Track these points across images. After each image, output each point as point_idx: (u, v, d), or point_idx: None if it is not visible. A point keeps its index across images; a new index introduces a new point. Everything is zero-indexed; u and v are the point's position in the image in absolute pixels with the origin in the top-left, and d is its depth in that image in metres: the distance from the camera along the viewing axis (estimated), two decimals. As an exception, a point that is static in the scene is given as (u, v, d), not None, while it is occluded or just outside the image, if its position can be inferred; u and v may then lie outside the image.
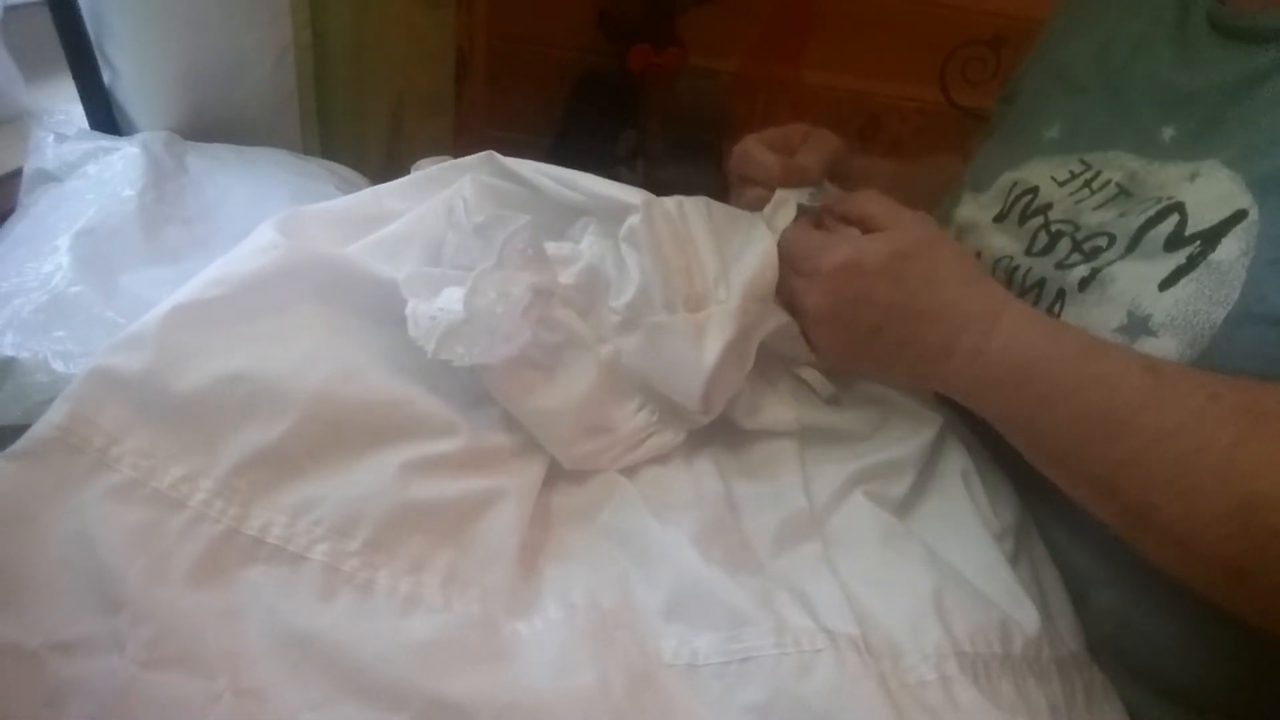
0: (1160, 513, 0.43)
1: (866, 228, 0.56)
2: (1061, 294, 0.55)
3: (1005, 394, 0.51)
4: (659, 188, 0.60)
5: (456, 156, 0.66)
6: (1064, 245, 0.57)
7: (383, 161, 1.00)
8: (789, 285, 0.57)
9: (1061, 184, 0.61)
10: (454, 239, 0.54)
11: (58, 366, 0.53)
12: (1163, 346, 0.47)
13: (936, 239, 0.55)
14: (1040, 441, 0.51)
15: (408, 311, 0.50)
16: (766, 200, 0.64)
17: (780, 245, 0.58)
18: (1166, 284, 0.48)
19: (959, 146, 0.85)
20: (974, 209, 0.67)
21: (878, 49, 1.47)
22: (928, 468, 0.58)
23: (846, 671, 0.45)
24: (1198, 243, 0.48)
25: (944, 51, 1.49)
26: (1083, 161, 0.61)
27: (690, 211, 0.58)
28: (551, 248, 0.56)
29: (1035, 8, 0.79)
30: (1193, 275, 0.47)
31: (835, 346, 0.58)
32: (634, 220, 0.56)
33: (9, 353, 0.54)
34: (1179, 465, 0.42)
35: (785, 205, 0.62)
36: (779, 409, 0.60)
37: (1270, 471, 0.39)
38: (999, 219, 0.64)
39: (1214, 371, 0.45)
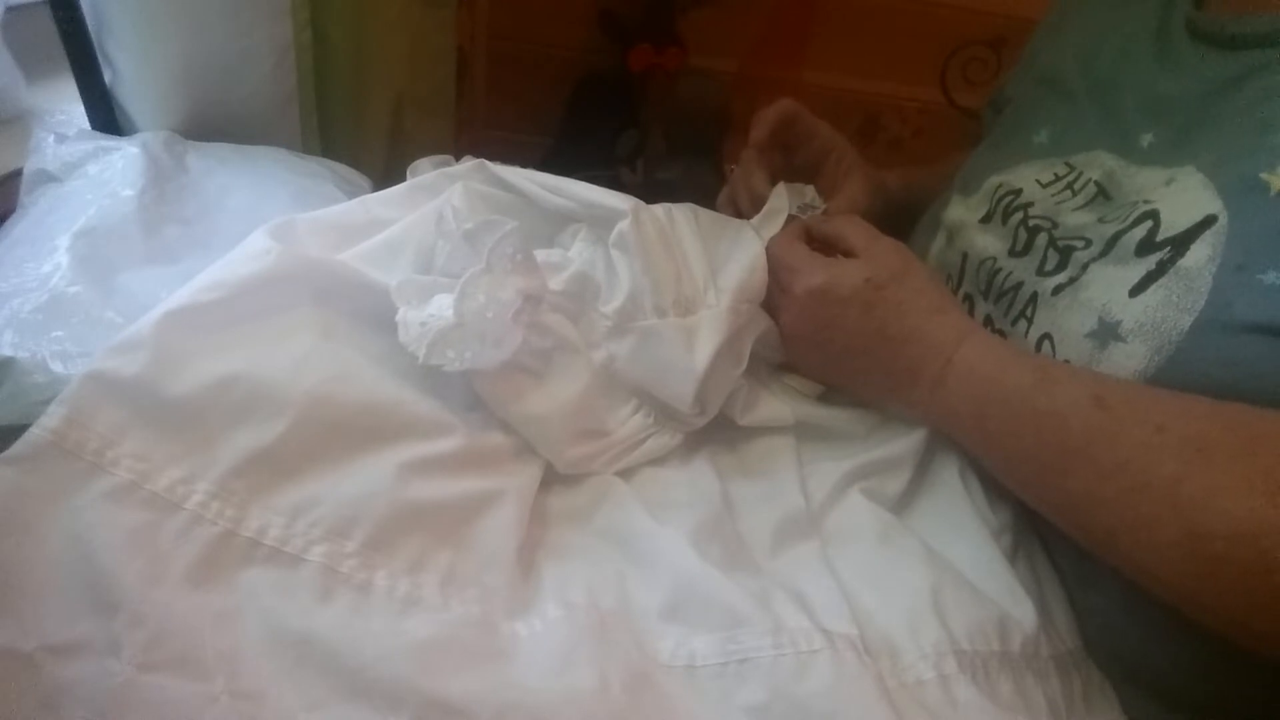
0: (1117, 539, 0.44)
1: (844, 252, 0.59)
2: (1035, 297, 0.56)
3: (965, 425, 0.54)
4: (660, 188, 0.60)
5: (457, 156, 0.67)
6: (1041, 241, 0.58)
7: (383, 161, 1.00)
8: (769, 297, 0.59)
9: (1045, 185, 0.62)
10: (444, 247, 0.55)
11: (56, 367, 0.53)
12: (1132, 352, 0.48)
13: (910, 267, 0.57)
14: (1002, 470, 0.53)
15: (398, 318, 0.50)
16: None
17: (767, 252, 0.60)
18: (1136, 290, 0.48)
19: (959, 147, 0.85)
20: (961, 210, 0.68)
21: (878, 49, 1.46)
22: (924, 465, 0.59)
23: (844, 672, 0.45)
24: (1168, 248, 0.48)
25: (944, 51, 1.48)
26: (1067, 164, 0.61)
27: (678, 218, 0.59)
28: (542, 255, 0.57)
29: (1035, 8, 0.79)
30: (1162, 281, 0.47)
31: (808, 364, 0.61)
32: (623, 226, 0.56)
33: (7, 353, 0.54)
34: (1129, 498, 0.43)
35: (775, 215, 0.63)
36: (775, 405, 0.60)
37: (1212, 503, 0.40)
38: (985, 220, 0.65)
39: (1178, 380, 0.45)
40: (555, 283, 0.56)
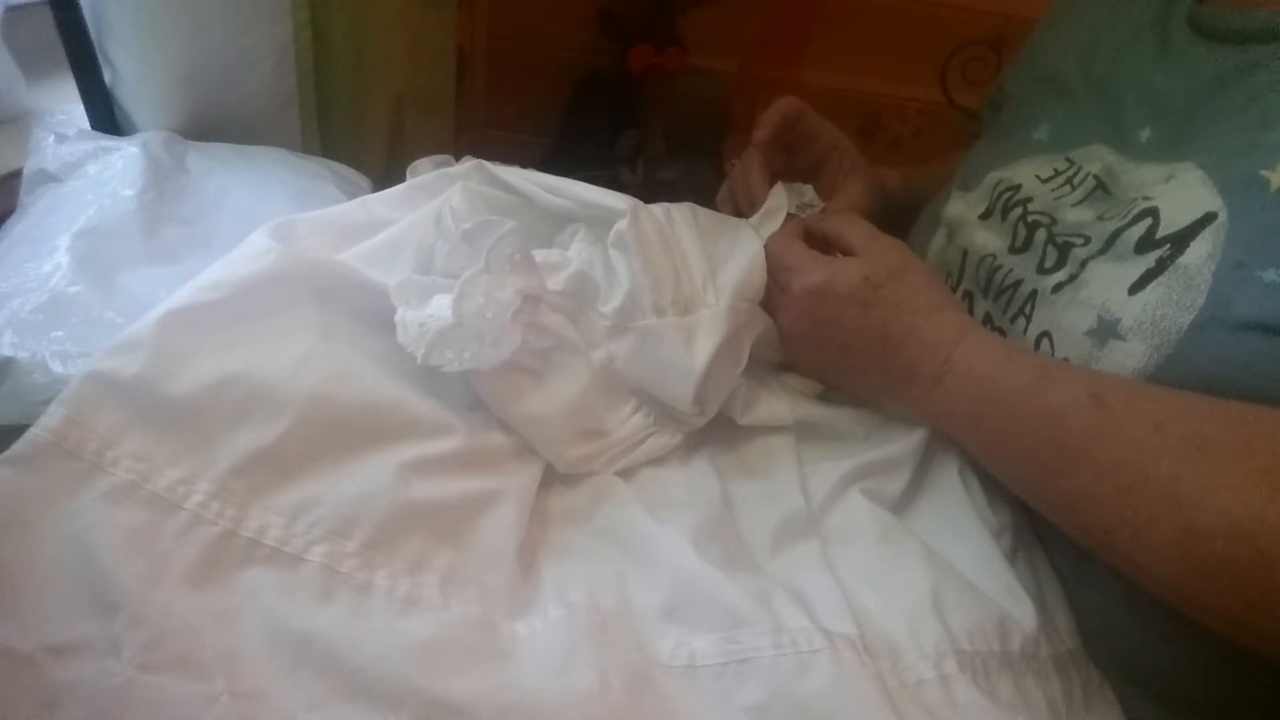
0: (1115, 538, 0.44)
1: (842, 250, 0.58)
2: (1034, 295, 0.56)
3: (963, 425, 0.53)
4: (660, 188, 0.60)
5: (457, 156, 0.67)
6: (1040, 237, 0.58)
7: (383, 161, 1.00)
8: (767, 296, 0.59)
9: (1044, 181, 0.62)
10: (443, 247, 0.55)
11: (56, 367, 0.53)
12: (1131, 351, 0.47)
13: (909, 266, 0.56)
14: (1000, 469, 0.53)
15: (397, 319, 0.50)
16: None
17: (765, 251, 0.60)
18: (1136, 288, 0.48)
19: (959, 146, 0.85)
20: (961, 206, 0.68)
21: (878, 49, 1.46)
22: (924, 464, 0.59)
23: (844, 672, 0.45)
24: (1167, 246, 0.48)
25: (944, 51, 1.48)
26: (1067, 159, 0.61)
27: (677, 217, 0.59)
28: (541, 255, 0.57)
29: (1035, 8, 0.79)
30: (1161, 279, 0.47)
31: (806, 363, 0.61)
32: (621, 225, 0.56)
33: (7, 353, 0.54)
34: (1127, 496, 0.43)
35: (773, 214, 0.63)
36: (774, 404, 0.60)
37: (1210, 501, 0.40)
38: (985, 216, 0.65)
39: (1178, 378, 0.45)
40: (554, 283, 0.56)
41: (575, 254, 0.60)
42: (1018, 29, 1.40)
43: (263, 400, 0.47)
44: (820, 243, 0.61)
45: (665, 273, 0.56)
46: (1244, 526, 0.38)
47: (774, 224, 0.63)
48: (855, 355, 0.56)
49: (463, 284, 0.50)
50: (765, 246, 0.60)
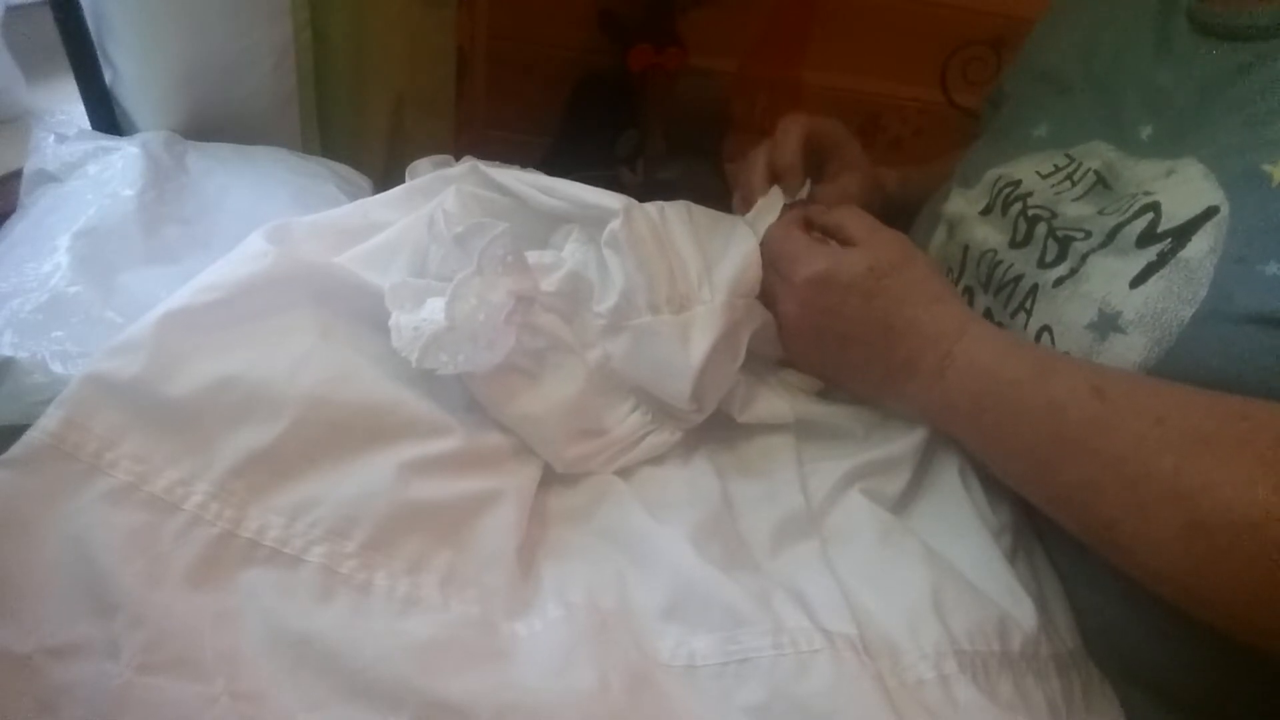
0: (1117, 531, 0.44)
1: (843, 241, 0.58)
2: (1035, 290, 0.55)
3: (963, 419, 0.53)
4: (660, 188, 0.60)
5: (457, 156, 0.67)
6: (1040, 231, 0.58)
7: (383, 161, 1.00)
8: (768, 287, 0.59)
9: (1045, 176, 0.62)
10: (436, 250, 0.55)
11: (56, 367, 0.53)
12: (1132, 344, 0.48)
13: (911, 258, 0.56)
14: (1000, 465, 0.52)
15: (391, 323, 0.50)
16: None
17: (763, 244, 0.59)
18: (1137, 281, 0.48)
19: (959, 146, 0.85)
20: (961, 203, 0.68)
21: (878, 49, 1.46)
22: (924, 464, 0.58)
23: (844, 672, 0.45)
24: (1169, 240, 0.48)
25: (944, 51, 1.48)
26: (1067, 156, 0.61)
27: (671, 215, 0.59)
28: (534, 255, 0.57)
29: (1035, 8, 0.79)
30: (1162, 273, 0.47)
31: (805, 354, 0.60)
32: (615, 225, 0.56)
33: (7, 353, 0.53)
34: (1130, 489, 0.43)
35: (769, 210, 0.63)
36: (773, 401, 0.60)
37: (1211, 495, 0.40)
38: (985, 212, 0.65)
39: (1179, 371, 0.45)
40: (548, 283, 0.56)
41: (569, 254, 0.59)
42: (1018, 29, 1.40)
43: (262, 401, 0.47)
44: (821, 235, 0.60)
45: (659, 270, 0.56)
46: (1248, 519, 0.38)
47: (769, 221, 0.63)
48: (856, 348, 0.56)
49: (455, 287, 0.50)
50: (766, 237, 0.60)
